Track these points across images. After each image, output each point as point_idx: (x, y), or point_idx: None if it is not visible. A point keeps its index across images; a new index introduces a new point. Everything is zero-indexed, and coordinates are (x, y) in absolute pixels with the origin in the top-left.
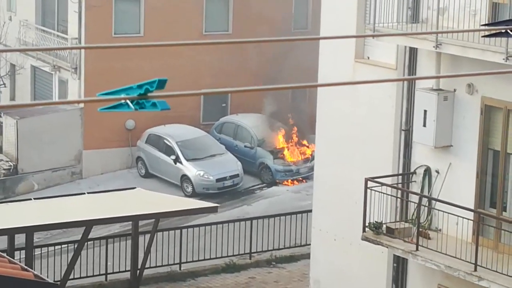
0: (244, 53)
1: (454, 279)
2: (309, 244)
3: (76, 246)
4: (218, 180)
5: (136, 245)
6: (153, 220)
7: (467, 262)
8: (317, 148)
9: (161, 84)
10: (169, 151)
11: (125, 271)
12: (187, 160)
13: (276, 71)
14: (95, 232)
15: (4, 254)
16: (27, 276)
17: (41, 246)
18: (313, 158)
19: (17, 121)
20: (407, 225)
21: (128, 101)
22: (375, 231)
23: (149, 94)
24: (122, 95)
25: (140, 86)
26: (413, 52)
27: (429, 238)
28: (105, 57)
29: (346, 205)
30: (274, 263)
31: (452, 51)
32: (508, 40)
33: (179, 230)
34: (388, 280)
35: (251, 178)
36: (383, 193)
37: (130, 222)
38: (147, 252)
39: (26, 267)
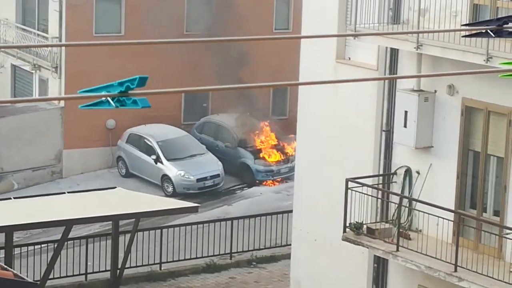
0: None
1: (435, 280)
2: (290, 245)
3: (56, 245)
4: (198, 180)
5: (116, 245)
6: (133, 220)
7: (447, 262)
8: (298, 149)
9: (142, 81)
10: (149, 150)
11: (105, 270)
12: (168, 160)
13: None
14: (75, 231)
15: None
16: (6, 276)
17: (20, 246)
18: (294, 158)
19: None
20: (387, 225)
21: (109, 99)
22: (356, 231)
23: (130, 92)
24: (103, 93)
25: (121, 84)
26: (394, 53)
27: (410, 239)
28: (86, 56)
29: (326, 206)
30: (254, 263)
31: (432, 52)
32: (488, 41)
33: (159, 230)
34: (369, 281)
35: (231, 178)
36: (364, 194)
37: (110, 222)
38: (127, 252)
39: (5, 266)
